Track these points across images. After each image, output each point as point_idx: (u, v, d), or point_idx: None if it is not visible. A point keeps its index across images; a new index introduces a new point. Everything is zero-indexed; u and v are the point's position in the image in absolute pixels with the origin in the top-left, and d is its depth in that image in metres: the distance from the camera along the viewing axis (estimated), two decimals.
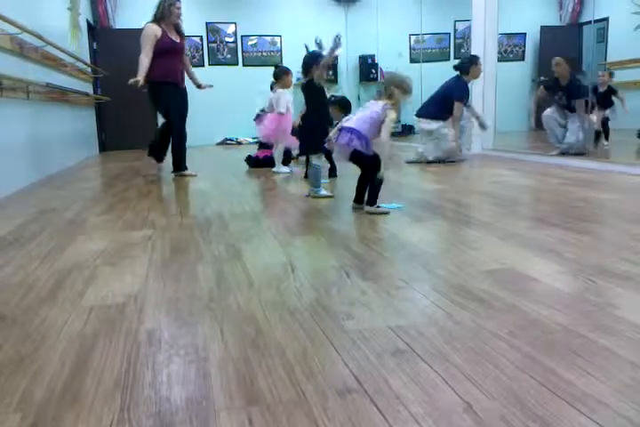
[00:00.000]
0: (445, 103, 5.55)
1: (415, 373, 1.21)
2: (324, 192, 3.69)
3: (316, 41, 3.75)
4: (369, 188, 3.13)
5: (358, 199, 3.19)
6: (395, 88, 3.07)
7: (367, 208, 3.11)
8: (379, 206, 3.12)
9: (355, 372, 1.22)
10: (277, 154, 5.39)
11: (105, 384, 1.21)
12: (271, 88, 5.68)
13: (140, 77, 4.85)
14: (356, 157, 3.10)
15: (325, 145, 3.30)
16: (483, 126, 5.82)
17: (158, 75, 4.96)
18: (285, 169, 5.31)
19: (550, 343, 1.33)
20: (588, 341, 1.34)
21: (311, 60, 3.68)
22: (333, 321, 1.52)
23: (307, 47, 3.75)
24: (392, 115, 3.05)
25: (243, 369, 1.26)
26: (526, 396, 1.10)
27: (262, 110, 5.80)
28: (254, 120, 6.17)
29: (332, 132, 3.16)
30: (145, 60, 4.92)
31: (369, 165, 3.11)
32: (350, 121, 3.08)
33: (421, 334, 1.42)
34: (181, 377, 1.24)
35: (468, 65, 5.64)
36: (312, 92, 3.68)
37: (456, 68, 5.71)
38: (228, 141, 10.05)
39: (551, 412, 1.04)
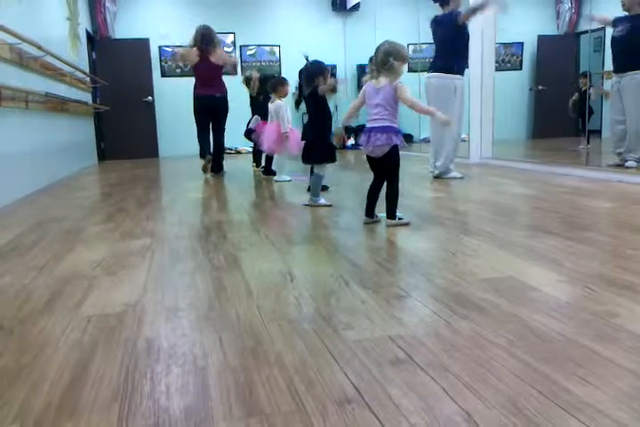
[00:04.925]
0: (452, 50, 4.85)
1: (415, 382, 1.20)
2: (323, 201, 3.69)
3: (303, 55, 3.75)
4: (387, 199, 2.95)
5: (370, 212, 3.04)
6: (394, 60, 2.85)
7: (389, 222, 2.96)
8: (401, 218, 2.99)
9: (354, 382, 1.22)
10: (278, 163, 5.40)
11: (103, 394, 1.21)
12: (261, 98, 5.80)
13: None
14: (384, 158, 2.93)
15: (361, 148, 3.08)
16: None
17: None
18: (285, 177, 5.32)
19: (550, 352, 1.33)
20: (588, 350, 1.34)
21: (317, 70, 3.63)
22: (333, 331, 1.52)
23: (306, 57, 3.74)
24: (405, 89, 2.87)
25: (242, 379, 1.25)
26: (526, 405, 1.09)
27: (250, 129, 6.00)
28: (245, 135, 6.31)
29: (362, 137, 2.97)
30: None
31: (389, 171, 2.96)
32: (375, 121, 2.91)
33: (421, 343, 1.41)
34: (180, 387, 1.23)
35: None
36: (315, 102, 3.65)
37: None
38: (228, 151, 10.05)
39: (550, 421, 1.03)
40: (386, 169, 2.99)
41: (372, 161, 3.03)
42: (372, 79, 2.97)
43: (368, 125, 2.95)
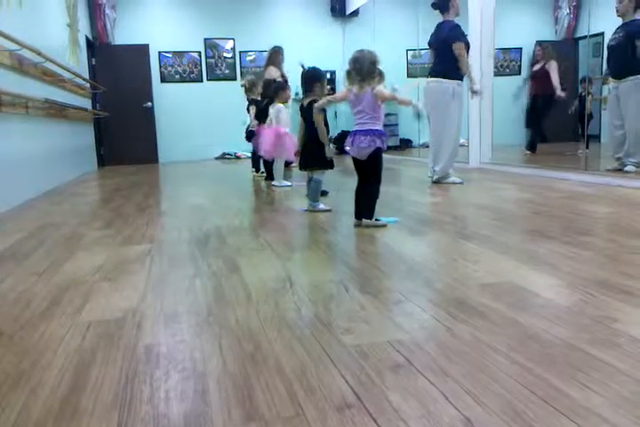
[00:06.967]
0: (451, 56, 4.93)
1: (414, 388, 1.20)
2: (322, 206, 3.70)
3: (300, 64, 3.77)
4: (365, 200, 3.07)
5: (359, 214, 3.11)
6: (379, 68, 2.93)
7: (365, 221, 3.06)
8: (377, 219, 3.09)
9: (354, 387, 1.22)
10: (277, 168, 5.41)
11: (103, 401, 1.21)
12: (264, 102, 5.80)
13: None
14: (368, 160, 3.01)
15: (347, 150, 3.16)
16: (474, 92, 5.02)
17: None
18: (286, 183, 5.32)
19: (549, 357, 1.33)
20: (587, 355, 1.34)
21: (314, 77, 3.67)
22: (332, 336, 1.52)
23: (302, 65, 3.76)
24: (381, 89, 2.94)
25: (241, 385, 1.25)
26: (525, 410, 1.09)
27: (250, 130, 6.05)
28: (246, 139, 6.35)
29: (348, 139, 3.07)
30: None
31: (372, 172, 3.05)
32: (360, 125, 3.00)
33: (420, 348, 1.41)
34: (179, 393, 1.23)
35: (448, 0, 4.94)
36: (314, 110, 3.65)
37: (435, 6, 5.05)
38: (227, 156, 10.07)
39: (550, 426, 1.03)
40: (369, 171, 3.08)
41: (356, 162, 3.12)
42: (354, 87, 3.00)
43: (353, 129, 3.06)
